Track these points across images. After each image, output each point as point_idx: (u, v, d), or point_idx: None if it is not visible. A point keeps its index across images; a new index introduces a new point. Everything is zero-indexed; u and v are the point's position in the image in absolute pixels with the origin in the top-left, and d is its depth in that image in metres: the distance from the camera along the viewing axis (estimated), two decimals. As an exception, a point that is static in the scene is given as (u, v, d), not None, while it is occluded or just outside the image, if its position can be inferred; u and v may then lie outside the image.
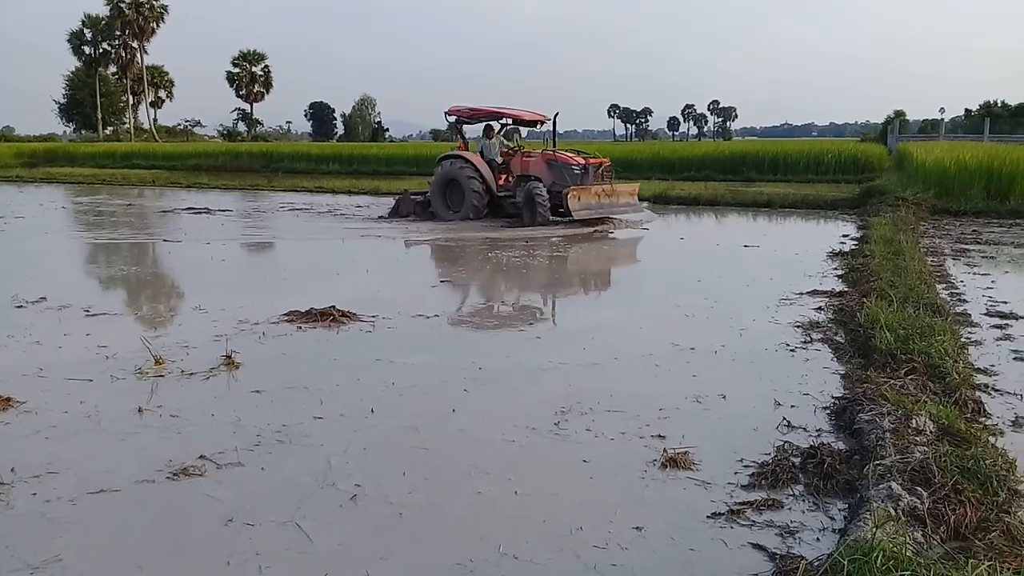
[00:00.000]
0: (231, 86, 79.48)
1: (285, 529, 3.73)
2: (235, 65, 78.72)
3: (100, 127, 76.39)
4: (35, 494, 4.07)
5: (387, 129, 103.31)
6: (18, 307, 8.43)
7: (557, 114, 16.85)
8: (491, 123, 17.15)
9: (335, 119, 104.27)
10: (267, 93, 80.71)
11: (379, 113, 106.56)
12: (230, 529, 3.75)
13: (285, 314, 7.88)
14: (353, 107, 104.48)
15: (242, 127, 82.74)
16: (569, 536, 3.71)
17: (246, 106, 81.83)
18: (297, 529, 3.73)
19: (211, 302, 8.56)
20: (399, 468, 4.42)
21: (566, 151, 16.64)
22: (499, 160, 16.81)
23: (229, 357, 6.35)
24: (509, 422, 5.12)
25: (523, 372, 6.35)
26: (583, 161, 15.84)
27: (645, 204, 18.03)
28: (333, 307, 7.96)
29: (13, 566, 3.40)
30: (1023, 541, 3.49)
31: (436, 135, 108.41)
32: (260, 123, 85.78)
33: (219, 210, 20.29)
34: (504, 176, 16.70)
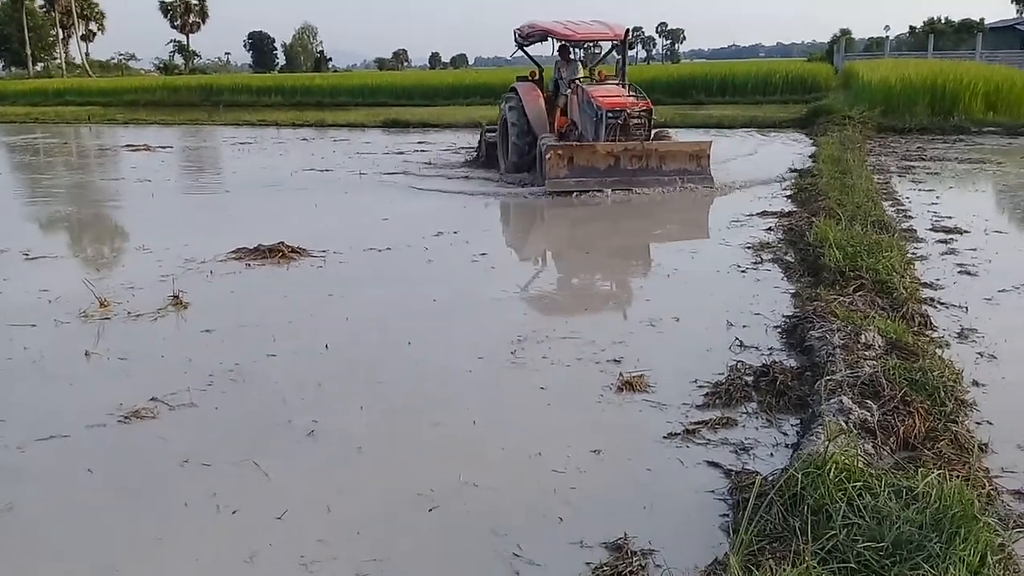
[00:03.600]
0: (165, 17, 76.65)
1: (242, 468, 3.69)
2: (169, -6, 75.69)
3: (30, 63, 73.14)
4: (-19, 443, 3.97)
5: (330, 59, 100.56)
6: (-48, 253, 8.13)
7: (629, 30, 12.23)
8: (566, 44, 12.55)
9: (276, 50, 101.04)
10: (203, 23, 77.99)
11: (321, 42, 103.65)
12: (185, 470, 3.70)
13: (232, 252, 7.71)
14: (294, 36, 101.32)
15: (179, 60, 79.92)
16: (528, 462, 3.73)
17: (182, 38, 79.00)
18: (254, 467, 3.69)
19: (155, 241, 8.34)
20: (356, 403, 4.39)
21: (611, 83, 12.00)
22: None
23: (176, 297, 6.21)
24: (465, 353, 5.10)
25: (478, 303, 6.32)
26: (624, 102, 10.98)
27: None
28: (282, 243, 7.80)
29: (-38, 517, 3.32)
30: (970, 449, 3.60)
31: (381, 64, 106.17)
32: (197, 55, 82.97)
33: (159, 147, 19.68)
34: (566, 118, 12.21)
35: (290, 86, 38.18)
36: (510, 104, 12.41)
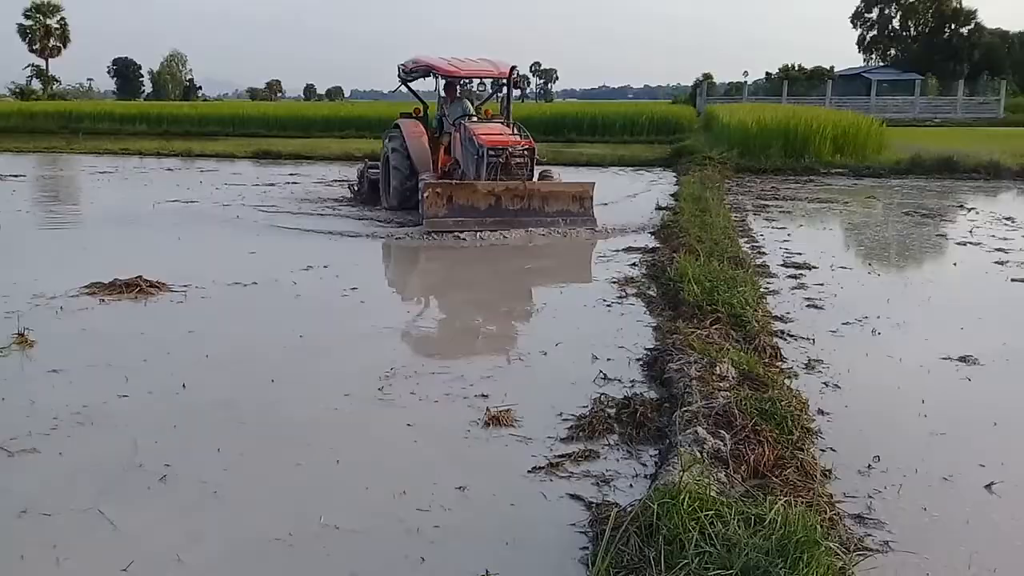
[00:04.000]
0: (23, 40, 72.74)
1: (86, 517, 3.49)
2: (27, 17, 71.94)
3: None
4: None
5: (200, 87, 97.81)
6: None
7: (514, 68, 11.94)
8: (451, 81, 12.40)
9: (142, 77, 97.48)
10: (64, 47, 74.42)
11: (191, 70, 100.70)
12: (24, 521, 3.47)
13: (86, 286, 7.31)
14: (162, 64, 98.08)
15: (37, 85, 75.95)
16: (392, 501, 3.68)
17: (41, 62, 75.16)
18: (100, 516, 3.50)
19: (0, 276, 7.84)
20: (213, 444, 4.24)
21: (495, 121, 11.77)
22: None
23: (22, 335, 5.83)
24: (331, 390, 5.02)
25: (346, 339, 6.23)
26: (505, 140, 10.80)
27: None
28: (140, 277, 7.46)
29: None
30: (814, 475, 3.79)
31: (253, 94, 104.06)
32: (57, 80, 79.06)
33: (10, 175, 18.56)
34: (450, 157, 11.89)
35: (156, 114, 36.88)
36: (393, 141, 12.16)
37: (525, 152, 10.74)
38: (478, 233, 10.24)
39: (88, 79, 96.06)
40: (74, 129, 34.34)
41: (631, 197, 14.69)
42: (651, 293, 7.41)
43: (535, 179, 11.05)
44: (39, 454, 4.10)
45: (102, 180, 18.10)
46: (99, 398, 4.80)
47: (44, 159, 24.06)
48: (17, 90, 73.11)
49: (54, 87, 76.53)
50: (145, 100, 78.57)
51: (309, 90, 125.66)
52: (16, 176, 18.55)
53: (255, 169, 20.68)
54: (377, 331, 6.35)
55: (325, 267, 8.46)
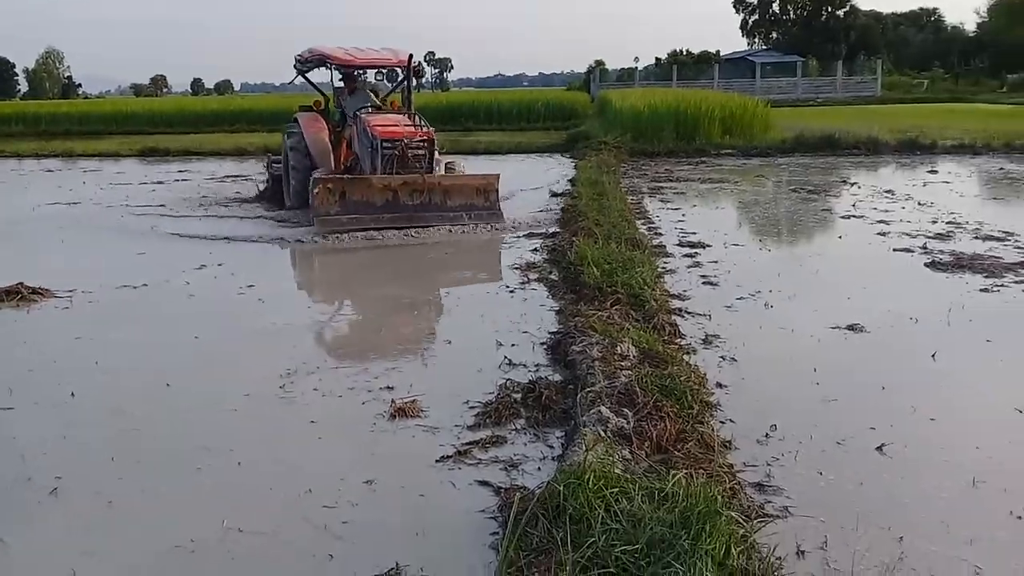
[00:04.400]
0: None
1: (-30, 539, 3.31)
2: None
3: None
4: None
5: (79, 84, 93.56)
6: None
7: (412, 56, 11.34)
8: (348, 71, 11.89)
9: (16, 75, 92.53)
10: (-75, 45, 70.00)
11: (69, 67, 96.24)
12: (-101, 549, 3.26)
13: (-40, 296, 6.92)
14: (37, 61, 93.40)
15: None
16: (298, 500, 3.61)
17: (-102, 60, 70.48)
18: (-15, 536, 3.32)
19: None
20: (106, 454, 4.07)
21: (394, 113, 11.16)
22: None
23: None
24: (231, 391, 4.88)
25: (245, 337, 6.08)
26: (400, 132, 10.11)
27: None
28: (21, 284, 7.10)
29: None
30: (715, 447, 3.90)
31: (138, 90, 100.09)
32: (-82, 80, 74.28)
33: None
34: (352, 152, 11.32)
35: (33, 114, 35.03)
36: (291, 138, 11.57)
37: (423, 143, 10.08)
38: (377, 232, 9.64)
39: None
40: (-57, 131, 32.33)
41: (535, 190, 14.51)
42: (553, 277, 7.47)
43: (438, 172, 10.47)
44: (-86, 476, 3.86)
45: None
46: (-21, 412, 4.55)
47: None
48: None
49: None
50: (21, 100, 74.55)
51: (197, 84, 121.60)
52: None
53: (142, 167, 19.90)
54: (277, 328, 6.22)
55: (219, 265, 8.23)
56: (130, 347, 5.82)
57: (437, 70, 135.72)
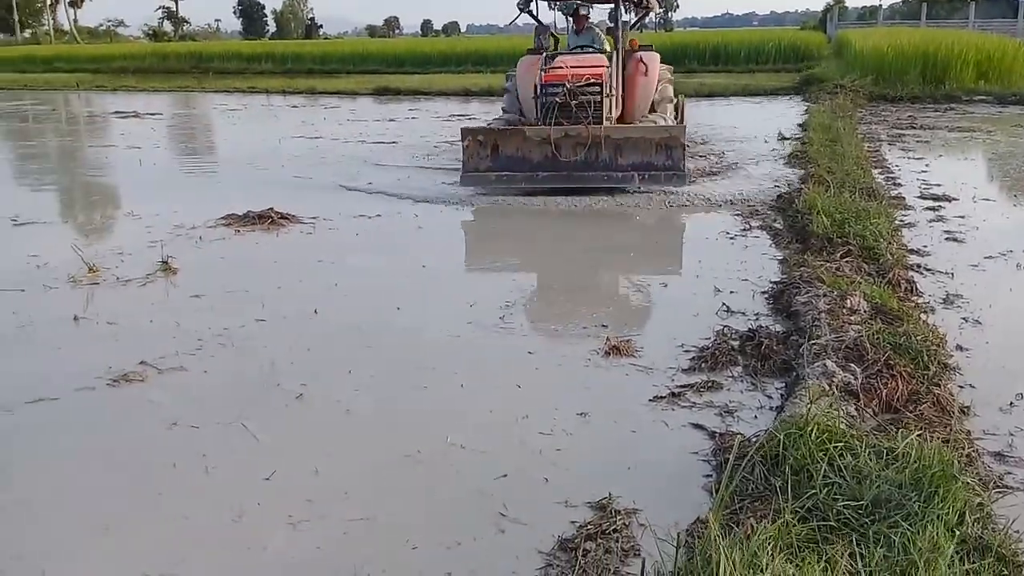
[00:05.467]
0: (155, -18, 75.64)
1: (230, 430, 3.72)
2: (157, -41, 74.70)
3: (18, 30, 72.29)
4: (-30, 406, 3.98)
5: (321, 25, 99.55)
6: (-61, 219, 8.09)
7: None
8: (579, 5, 10.32)
9: (266, 16, 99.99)
10: (192, -11, 77.03)
11: (312, 9, 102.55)
12: (174, 432, 3.72)
13: (222, 218, 7.69)
14: (284, 3, 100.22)
15: (168, 27, 79.01)
16: (515, 425, 3.76)
17: (171, 4, 78.09)
18: (243, 430, 3.72)
19: (144, 208, 8.32)
20: (344, 367, 4.42)
21: (589, 52, 9.72)
22: None
23: (166, 263, 6.20)
24: (454, 318, 5.12)
25: (468, 270, 6.33)
26: (565, 74, 8.64)
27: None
28: (271, 209, 7.78)
29: (-47, 478, 3.34)
30: (951, 412, 3.64)
31: (372, 31, 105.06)
32: (187, 22, 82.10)
33: (148, 114, 19.51)
34: None
35: (280, 53, 37.78)
36: (508, 80, 10.71)
37: (592, 87, 8.51)
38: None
39: (216, 20, 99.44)
40: (204, 68, 35.68)
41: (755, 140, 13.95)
42: (777, 226, 7.18)
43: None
44: (186, 372, 4.37)
45: (232, 117, 18.79)
46: (238, 322, 5.06)
47: (177, 98, 25.16)
48: (150, 32, 76.30)
49: (184, 28, 79.45)
50: (269, 39, 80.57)
51: (426, 26, 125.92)
52: (153, 115, 19.49)
53: (376, 106, 21.02)
54: (496, 261, 6.42)
55: (444, 203, 8.55)
56: (365, 271, 6.24)
57: (662, 9, 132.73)
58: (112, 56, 41.46)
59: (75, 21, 74.89)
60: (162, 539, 2.94)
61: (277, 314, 5.26)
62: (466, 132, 8.88)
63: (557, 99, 8.43)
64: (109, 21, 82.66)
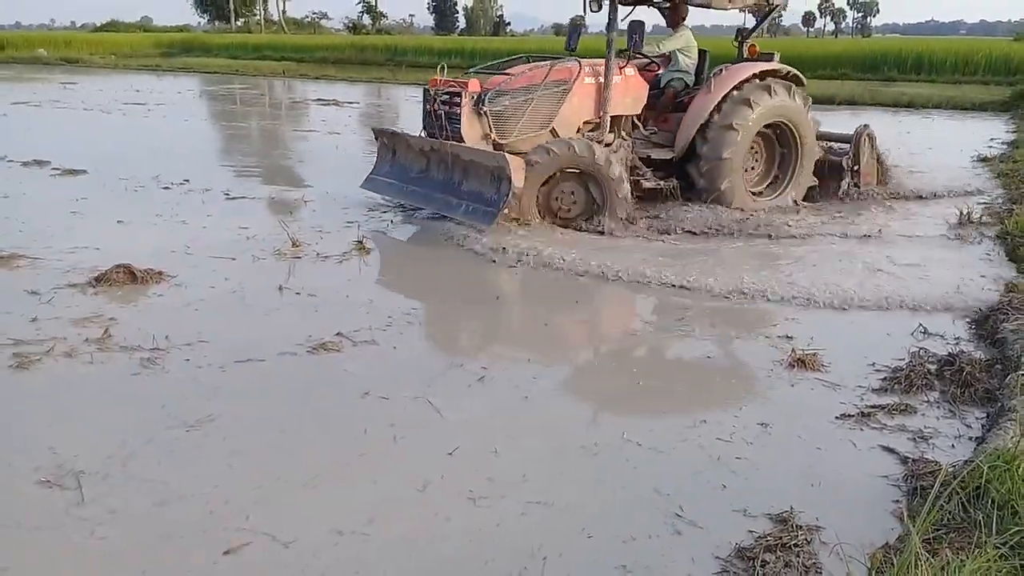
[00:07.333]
0: (356, -23, 79.70)
1: (416, 404, 3.89)
2: (360, -44, 78.65)
3: (232, 18, 78.28)
4: (188, 360, 4.36)
5: (508, 23, 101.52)
6: (164, 188, 8.90)
7: None
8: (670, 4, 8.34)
9: (457, 12, 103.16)
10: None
11: (501, 6, 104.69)
12: (366, 401, 3.94)
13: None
14: (475, 0, 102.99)
15: (367, 20, 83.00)
16: (693, 428, 3.72)
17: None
18: (428, 404, 3.88)
19: (342, 189, 8.80)
20: (524, 354, 4.52)
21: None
22: (687, 80, 8.43)
23: (360, 243, 6.55)
24: (633, 319, 5.13)
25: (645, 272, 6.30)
26: (436, 79, 7.49)
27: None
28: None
29: (170, 423, 3.68)
30: None
31: (558, 30, 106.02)
32: (384, 16, 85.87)
33: (346, 102, 20.60)
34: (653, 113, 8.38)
35: (469, 49, 38.85)
36: None
37: (449, 96, 7.21)
38: None
39: (410, 15, 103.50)
40: (397, 62, 37.27)
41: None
42: (982, 247, 6.71)
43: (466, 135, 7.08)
44: (377, 346, 4.61)
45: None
46: (424, 303, 5.29)
47: (372, 89, 26.42)
48: (350, 24, 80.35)
49: (381, 22, 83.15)
50: (459, 35, 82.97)
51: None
52: (351, 103, 20.55)
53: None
54: (677, 267, 6.35)
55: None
56: (540, 271, 6.31)
57: (860, 14, 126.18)
58: (315, 47, 44.10)
59: (284, 12, 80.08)
60: (354, 499, 3.12)
61: (459, 299, 5.44)
62: (379, 132, 8.39)
63: (428, 106, 7.47)
64: (314, 13, 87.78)
